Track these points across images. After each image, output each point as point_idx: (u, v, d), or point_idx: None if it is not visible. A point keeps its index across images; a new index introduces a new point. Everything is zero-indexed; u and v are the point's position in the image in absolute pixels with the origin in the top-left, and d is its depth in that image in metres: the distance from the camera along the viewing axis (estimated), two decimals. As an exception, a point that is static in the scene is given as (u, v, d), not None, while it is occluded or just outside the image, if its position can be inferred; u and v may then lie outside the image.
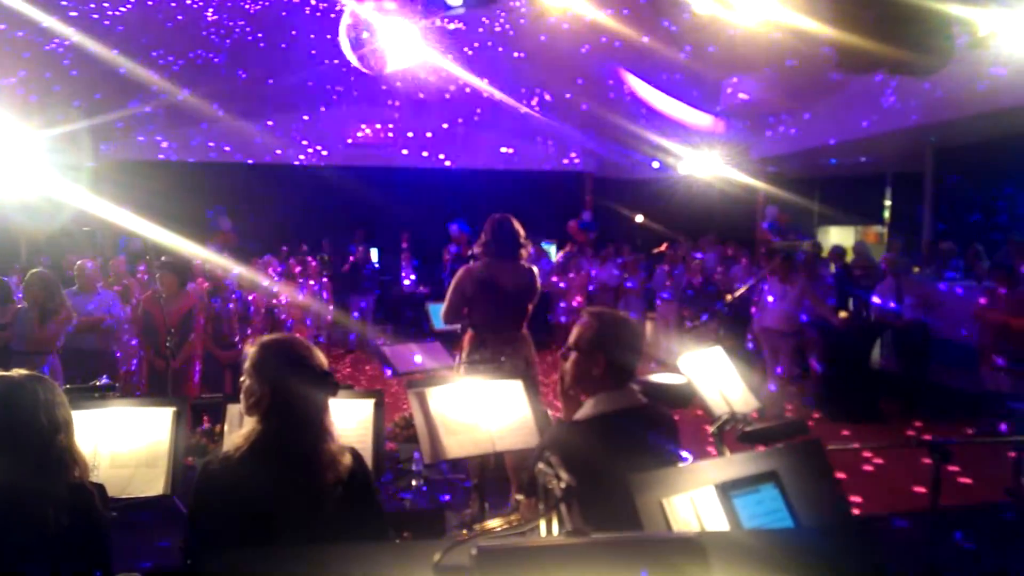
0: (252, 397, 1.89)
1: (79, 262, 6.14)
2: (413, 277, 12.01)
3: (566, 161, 14.89)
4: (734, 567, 0.61)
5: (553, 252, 13.40)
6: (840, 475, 5.15)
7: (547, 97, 11.11)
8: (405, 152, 13.70)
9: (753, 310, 7.45)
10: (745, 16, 6.23)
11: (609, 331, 2.21)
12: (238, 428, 2.11)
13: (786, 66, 7.62)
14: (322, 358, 1.96)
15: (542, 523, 0.90)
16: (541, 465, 1.01)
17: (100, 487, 1.95)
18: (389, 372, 4.76)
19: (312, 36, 9.14)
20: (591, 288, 10.77)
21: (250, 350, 1.93)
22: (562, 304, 10.63)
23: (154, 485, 2.64)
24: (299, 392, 1.86)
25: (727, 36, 7.08)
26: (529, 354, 4.34)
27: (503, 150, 14.35)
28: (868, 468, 5.41)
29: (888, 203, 13.17)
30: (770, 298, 7.04)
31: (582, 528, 0.59)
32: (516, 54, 9.38)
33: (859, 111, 9.26)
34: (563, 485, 0.87)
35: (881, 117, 8.94)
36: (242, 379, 1.94)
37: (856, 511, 4.56)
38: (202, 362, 6.19)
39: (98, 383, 2.89)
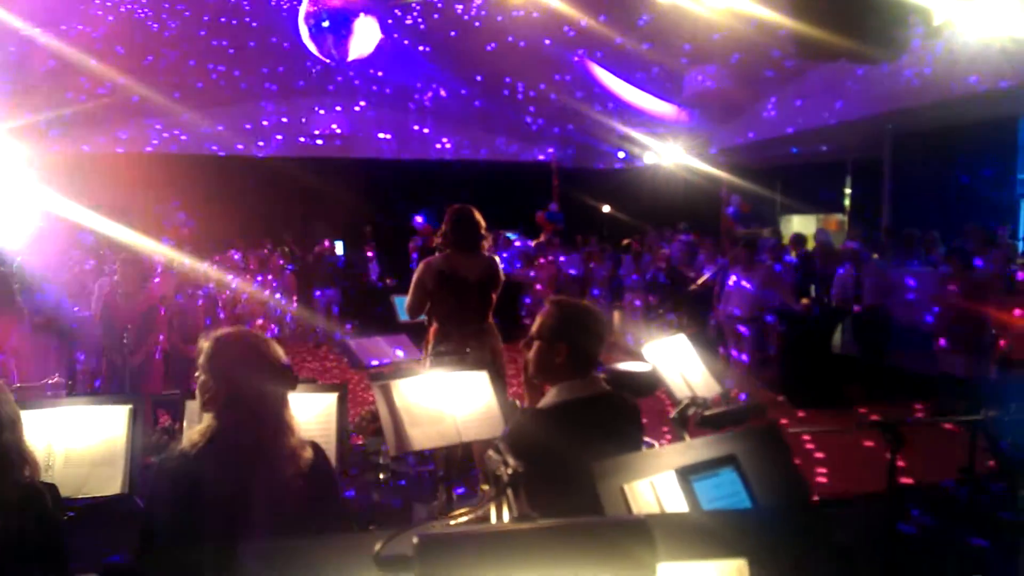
0: (207, 392, 1.86)
1: (19, 259, 5.97)
2: (375, 269, 11.89)
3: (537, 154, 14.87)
4: (682, 548, 0.61)
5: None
6: (799, 458, 5.27)
7: (507, 88, 11.08)
8: (389, 143, 13.55)
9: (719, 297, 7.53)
10: (705, 5, 6.28)
11: (571, 320, 2.21)
12: (198, 424, 2.07)
13: (746, 56, 7.71)
14: (280, 351, 1.93)
15: (492, 509, 0.90)
16: (491, 452, 1.01)
17: (52, 487, 1.90)
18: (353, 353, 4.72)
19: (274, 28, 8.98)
20: (560, 279, 10.80)
21: (204, 345, 1.89)
22: (531, 295, 10.64)
23: (111, 484, 2.58)
24: (256, 386, 1.83)
25: (689, 25, 7.13)
26: (495, 344, 4.34)
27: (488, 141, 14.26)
28: (827, 450, 5.53)
29: (848, 191, 13.43)
30: (733, 286, 7.14)
31: (529, 514, 0.58)
32: (486, 45, 9.33)
33: (818, 100, 9.42)
34: (510, 471, 0.86)
35: (839, 105, 9.10)
36: (197, 374, 1.90)
37: (815, 493, 4.67)
38: (168, 358, 6.07)
39: (51, 381, 2.81)
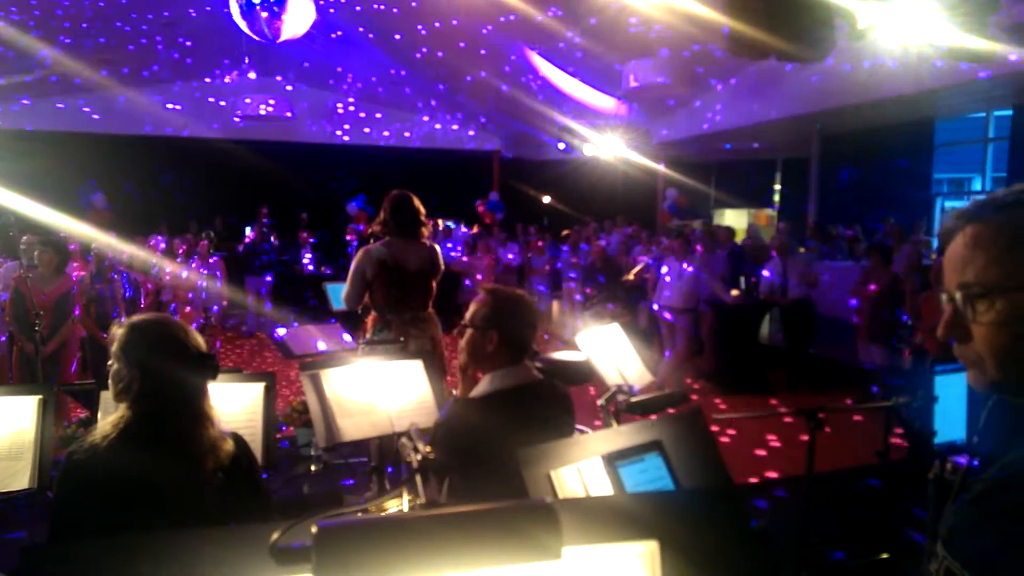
0: (121, 382, 1.77)
1: None
2: (310, 256, 11.63)
3: (465, 136, 14.78)
4: (590, 532, 0.61)
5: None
6: (725, 442, 5.44)
7: (446, 76, 10.98)
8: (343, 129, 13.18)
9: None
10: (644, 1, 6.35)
11: (503, 308, 2.20)
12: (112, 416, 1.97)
13: (682, 52, 7.86)
14: (199, 339, 1.85)
15: (404, 496, 0.89)
16: (403, 440, 0.99)
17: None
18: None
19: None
20: (498, 269, 10.82)
21: (118, 332, 1.80)
22: (469, 284, 10.62)
23: (18, 479, 2.45)
24: (172, 375, 1.75)
25: (626, 19, 7.20)
26: (436, 334, 4.29)
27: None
28: (753, 436, 5.73)
29: (778, 187, 13.90)
30: (667, 277, 7.29)
31: (436, 500, 0.57)
32: (424, 27, 9.20)
33: (751, 99, 9.69)
34: (419, 457, 0.85)
35: (771, 104, 9.39)
36: (110, 363, 1.81)
37: (741, 476, 4.82)
38: (85, 347, 5.79)
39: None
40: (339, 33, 9.67)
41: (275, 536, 0.55)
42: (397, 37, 9.50)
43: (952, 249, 0.87)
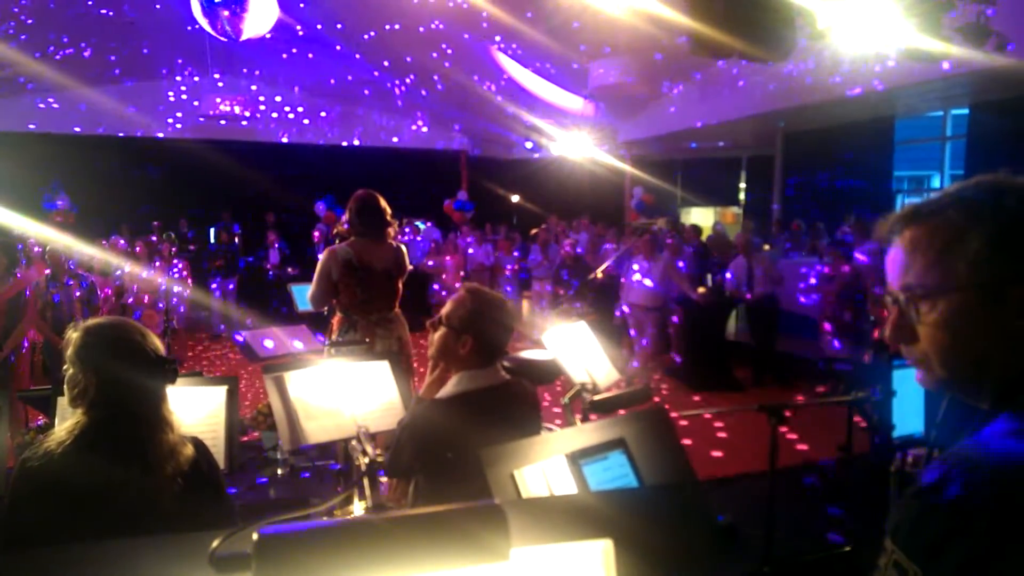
0: (76, 387, 1.73)
1: None
2: (276, 257, 11.48)
3: (442, 142, 14.73)
4: (540, 532, 0.61)
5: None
6: (694, 439, 5.50)
7: (412, 76, 10.92)
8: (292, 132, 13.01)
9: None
10: (607, 1, 6.39)
11: (481, 312, 2.19)
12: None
13: (648, 51, 7.92)
14: (156, 342, 1.81)
15: (356, 500, 0.88)
16: (353, 442, 0.98)
17: None
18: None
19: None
20: (467, 267, 10.80)
21: (73, 336, 1.76)
22: (439, 285, 10.59)
23: (-31, 490, 2.37)
24: (129, 380, 1.72)
25: (591, 19, 7.24)
26: (403, 334, 4.27)
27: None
28: (721, 432, 5.80)
29: (743, 185, 14.08)
30: (636, 275, 7.34)
31: (382, 504, 0.56)
32: (389, 27, 9.13)
33: (716, 98, 9.80)
34: (367, 461, 0.84)
35: (735, 103, 9.51)
36: (65, 368, 1.76)
37: (709, 472, 4.88)
38: (42, 352, 5.65)
39: None
40: (301, 31, 9.55)
41: (215, 544, 0.54)
42: (365, 33, 9.43)
43: (893, 253, 0.89)
